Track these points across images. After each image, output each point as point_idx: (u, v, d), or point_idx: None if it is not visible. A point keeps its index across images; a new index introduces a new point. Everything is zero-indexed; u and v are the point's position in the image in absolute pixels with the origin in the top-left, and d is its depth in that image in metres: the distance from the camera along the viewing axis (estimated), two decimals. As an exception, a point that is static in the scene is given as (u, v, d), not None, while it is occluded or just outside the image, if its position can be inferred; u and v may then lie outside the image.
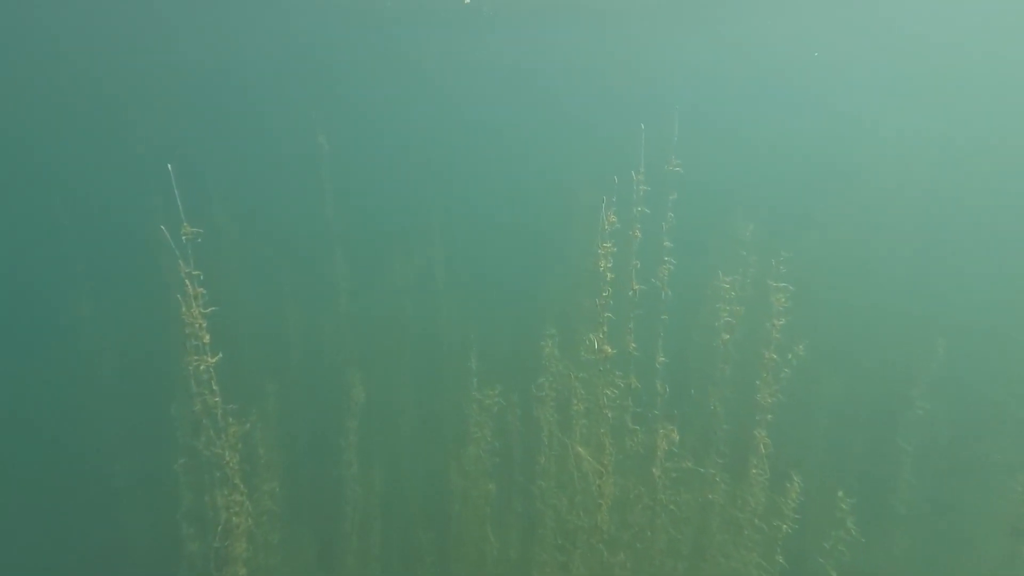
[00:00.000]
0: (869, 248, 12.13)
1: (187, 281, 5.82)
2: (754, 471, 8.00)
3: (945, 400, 9.22)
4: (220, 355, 6.23)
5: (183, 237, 5.38)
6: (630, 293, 8.05)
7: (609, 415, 7.85)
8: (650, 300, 8.23)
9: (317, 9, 26.35)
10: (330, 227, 12.69)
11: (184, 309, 5.93)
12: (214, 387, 6.34)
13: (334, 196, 12.51)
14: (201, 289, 5.80)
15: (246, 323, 11.44)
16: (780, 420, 7.88)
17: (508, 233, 16.02)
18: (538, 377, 10.41)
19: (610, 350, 7.81)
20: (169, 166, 5.06)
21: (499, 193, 19.08)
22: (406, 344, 12.62)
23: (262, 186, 14.05)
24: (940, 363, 9.20)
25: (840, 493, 6.42)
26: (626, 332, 8.18)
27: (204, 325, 5.97)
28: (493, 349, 12.03)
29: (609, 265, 7.52)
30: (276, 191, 13.91)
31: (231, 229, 11.35)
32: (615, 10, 24.67)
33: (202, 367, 6.19)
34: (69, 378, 10.71)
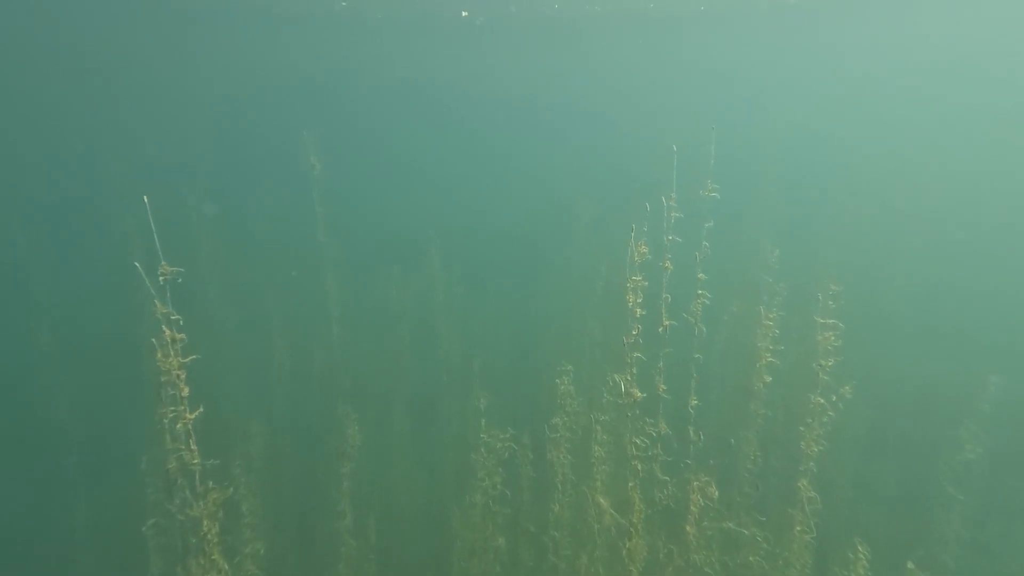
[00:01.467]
0: (915, 277, 11.71)
1: (164, 325, 5.18)
2: (799, 529, 7.37)
3: (999, 440, 8.69)
4: (200, 409, 5.56)
5: (160, 277, 4.74)
6: (660, 329, 7.48)
7: (639, 468, 7.21)
8: (681, 337, 7.69)
9: (308, 26, 26.22)
10: (322, 252, 12.07)
11: (160, 355, 5.27)
12: (192, 446, 5.65)
13: (326, 219, 11.91)
14: (180, 335, 5.13)
15: (230, 357, 10.72)
16: (825, 470, 7.29)
17: (517, 258, 15.49)
18: (552, 417, 9.79)
19: (639, 394, 7.21)
20: (145, 198, 4.45)
21: (506, 213, 18.63)
22: (405, 380, 11.93)
23: (250, 209, 13.45)
24: (992, 401, 8.70)
25: (910, 565, 5.79)
26: (655, 372, 7.60)
27: (183, 376, 5.29)
28: (502, 386, 11.39)
29: (639, 300, 6.97)
30: (265, 214, 13.30)
31: (216, 255, 10.70)
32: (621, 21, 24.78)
33: (179, 424, 5.51)
34: (28, 421, 9.90)
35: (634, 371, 7.20)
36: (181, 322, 5.05)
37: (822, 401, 6.97)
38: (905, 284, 11.44)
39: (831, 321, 6.83)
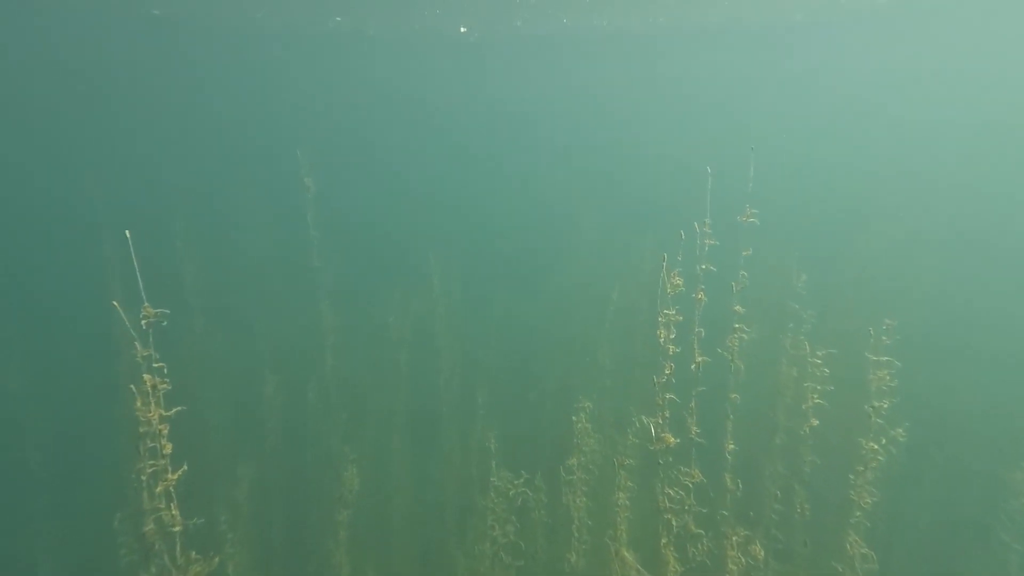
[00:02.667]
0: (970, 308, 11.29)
1: (145, 373, 4.62)
2: (850, 589, 6.78)
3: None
4: (184, 468, 4.97)
5: (142, 321, 4.20)
6: (692, 367, 6.97)
7: (673, 523, 6.64)
8: (716, 374, 7.20)
9: (303, 42, 26.12)
10: (317, 275, 11.52)
11: (139, 405, 4.70)
12: (173, 509, 5.04)
13: (321, 241, 11.39)
14: (164, 383, 4.58)
15: (218, 391, 10.08)
16: (879, 521, 6.74)
17: (524, 279, 14.98)
18: (567, 457, 9.20)
19: (672, 439, 6.67)
20: (127, 232, 3.94)
21: (510, 230, 18.18)
22: (406, 415, 11.31)
23: (240, 235, 12.91)
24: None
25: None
26: (687, 413, 7.07)
27: (165, 431, 4.71)
28: (511, 420, 10.79)
29: (672, 336, 6.48)
30: (256, 240, 12.76)
31: (206, 280, 10.13)
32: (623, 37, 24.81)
33: (159, 486, 4.91)
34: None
35: (667, 414, 6.67)
36: (165, 369, 4.48)
37: (876, 447, 6.45)
38: (958, 311, 11.02)
39: (885, 358, 6.34)
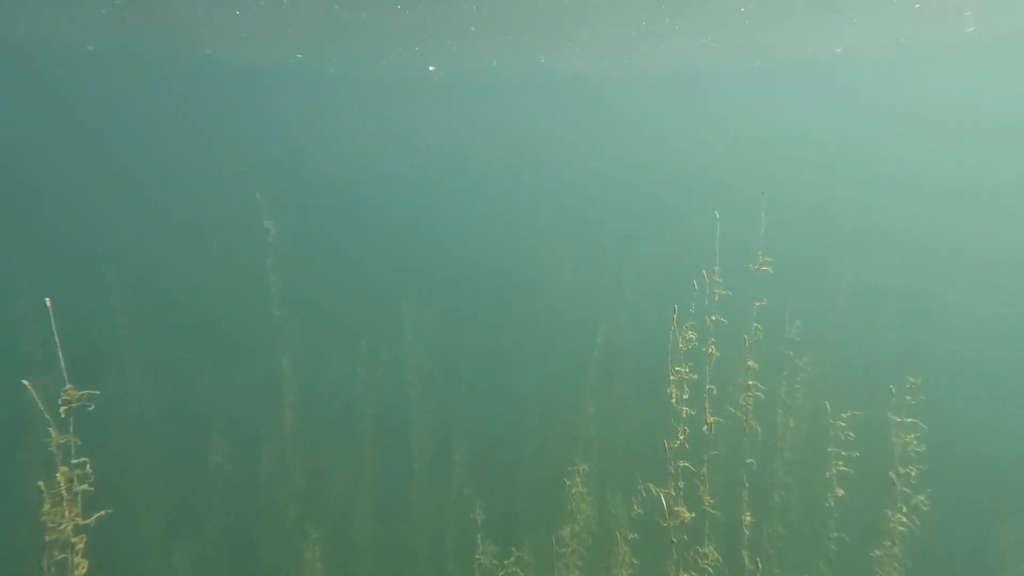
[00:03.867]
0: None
1: (59, 462, 3.70)
2: None
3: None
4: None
5: (61, 406, 3.37)
6: (704, 428, 6.42)
7: (693, 613, 5.92)
8: (729, 436, 6.70)
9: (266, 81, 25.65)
10: (278, 328, 10.58)
11: (47, 508, 3.75)
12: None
13: (282, 291, 10.48)
14: (85, 486, 3.71)
15: (153, 474, 8.90)
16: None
17: (509, 326, 14.33)
18: (561, 527, 8.41)
19: (687, 514, 6.03)
20: (47, 300, 3.18)
21: (493, 274, 17.60)
22: (376, 482, 10.29)
23: (190, 283, 11.88)
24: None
25: None
26: (699, 480, 6.48)
27: (80, 544, 3.78)
28: (497, 484, 9.93)
29: (685, 396, 5.95)
30: (209, 287, 11.75)
31: (152, 334, 9.07)
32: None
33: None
34: None
35: (680, 484, 6.06)
36: (88, 466, 3.60)
37: (904, 519, 5.98)
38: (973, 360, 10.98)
39: (910, 420, 5.96)
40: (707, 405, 6.34)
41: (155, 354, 9.85)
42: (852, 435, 5.94)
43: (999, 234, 15.92)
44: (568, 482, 8.40)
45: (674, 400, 6.03)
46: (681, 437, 5.98)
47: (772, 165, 28.82)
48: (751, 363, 6.57)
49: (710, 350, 6.32)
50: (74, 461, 3.48)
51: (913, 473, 5.95)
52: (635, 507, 7.39)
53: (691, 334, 5.90)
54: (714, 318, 6.33)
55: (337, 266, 15.46)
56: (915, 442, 5.92)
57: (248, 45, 18.10)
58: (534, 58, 17.58)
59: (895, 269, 15.15)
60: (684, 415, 5.96)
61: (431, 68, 24.65)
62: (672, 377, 5.97)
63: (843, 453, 6.01)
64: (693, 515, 6.09)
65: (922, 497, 6.26)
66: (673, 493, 6.10)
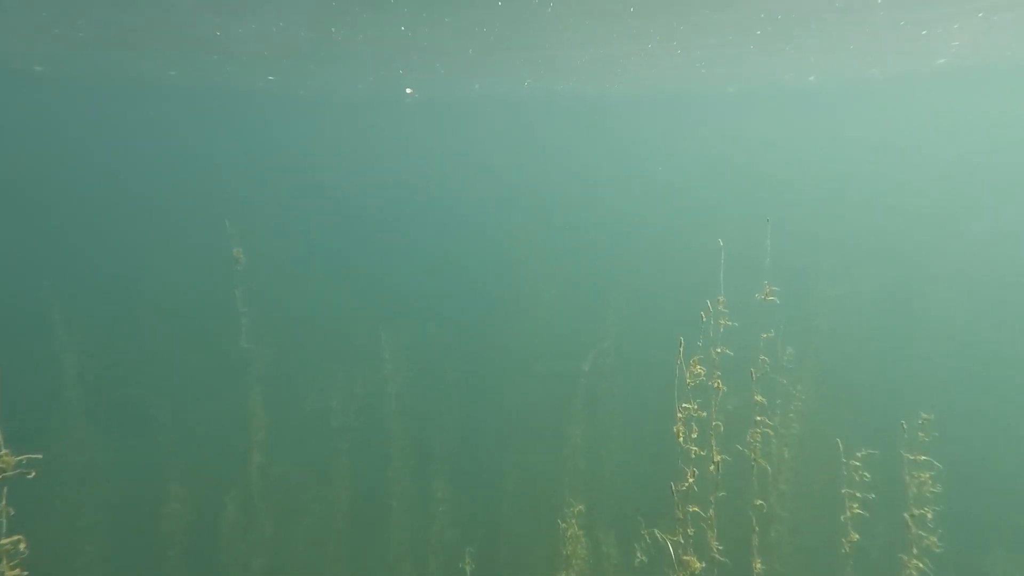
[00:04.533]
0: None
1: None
2: None
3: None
4: None
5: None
6: (711, 469, 6.11)
7: None
8: (737, 476, 6.40)
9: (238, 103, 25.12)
10: (246, 359, 9.97)
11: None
12: None
13: (251, 322, 9.89)
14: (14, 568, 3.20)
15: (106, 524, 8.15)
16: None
17: (493, 353, 13.88)
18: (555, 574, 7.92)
19: (698, 564, 5.67)
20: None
21: (474, 302, 17.18)
22: (350, 525, 9.65)
23: (153, 315, 11.18)
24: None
25: None
26: (707, 526, 6.13)
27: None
28: (481, 525, 9.37)
29: (693, 436, 5.64)
30: (173, 320, 11.06)
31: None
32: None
33: None
34: None
35: (690, 532, 5.70)
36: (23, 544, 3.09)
37: (921, 567, 5.73)
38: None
39: (923, 458, 5.76)
40: (713, 443, 6.05)
41: (107, 396, 9.12)
42: (868, 475, 5.70)
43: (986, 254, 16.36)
44: (562, 524, 7.96)
45: (681, 439, 5.72)
46: (691, 480, 5.65)
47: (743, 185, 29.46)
48: (758, 397, 6.33)
49: (716, 384, 6.07)
50: (4, 540, 2.95)
51: (929, 515, 5.73)
52: (638, 554, 6.98)
53: (699, 368, 5.64)
54: (719, 350, 6.09)
55: (311, 292, 14.87)
56: (930, 481, 5.71)
57: (221, 66, 17.66)
58: (519, 81, 17.59)
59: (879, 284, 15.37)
60: (693, 455, 5.65)
61: (408, 91, 24.57)
62: (679, 415, 5.68)
63: (858, 495, 5.75)
64: (703, 565, 5.74)
65: (935, 539, 6.05)
66: (682, 540, 5.74)
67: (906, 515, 5.85)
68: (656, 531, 6.15)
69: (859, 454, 5.83)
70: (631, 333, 12.05)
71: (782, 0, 11.71)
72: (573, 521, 7.89)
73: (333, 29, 12.34)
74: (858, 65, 18.64)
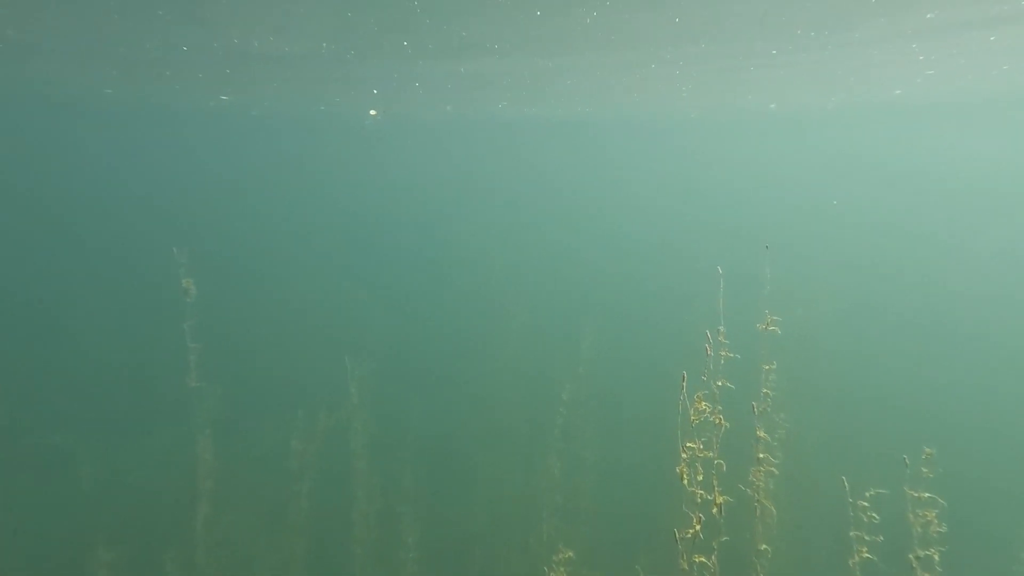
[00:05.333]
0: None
1: None
2: None
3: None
4: None
5: None
6: (713, 511, 5.78)
7: None
8: (739, 518, 6.07)
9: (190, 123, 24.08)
10: (198, 398, 9.15)
11: None
12: None
13: (201, 358, 9.08)
14: None
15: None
16: None
17: (465, 383, 13.29)
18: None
19: (708, 621, 5.26)
20: None
21: (444, 325, 16.56)
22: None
23: (95, 348, 10.19)
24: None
25: None
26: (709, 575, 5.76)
27: None
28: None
29: (699, 479, 5.31)
30: (119, 353, 10.12)
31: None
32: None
33: None
34: None
35: (698, 583, 5.31)
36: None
37: (930, 605, 5.51)
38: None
39: (927, 495, 5.58)
40: (715, 483, 5.73)
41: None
42: (876, 517, 5.47)
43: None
44: (550, 575, 7.45)
45: (686, 481, 5.38)
46: (697, 527, 5.29)
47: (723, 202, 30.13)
48: (761, 433, 6.08)
49: (718, 420, 5.78)
50: None
51: (936, 556, 5.53)
52: (637, 607, 6.53)
53: (704, 405, 5.35)
54: (720, 383, 5.82)
55: (267, 325, 14.01)
56: (936, 521, 5.52)
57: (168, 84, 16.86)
58: (494, 103, 17.48)
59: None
60: (699, 500, 5.31)
61: (372, 112, 24.14)
62: (683, 455, 5.35)
63: (866, 538, 5.51)
64: (714, 620, 5.34)
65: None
66: (688, 595, 5.34)
67: (911, 557, 5.65)
68: (658, 582, 5.74)
69: (868, 493, 5.61)
70: (618, 361, 11.79)
71: (740, 43, 12.13)
72: (562, 570, 7.40)
73: (327, 44, 11.89)
74: (819, 93, 19.45)
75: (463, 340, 15.42)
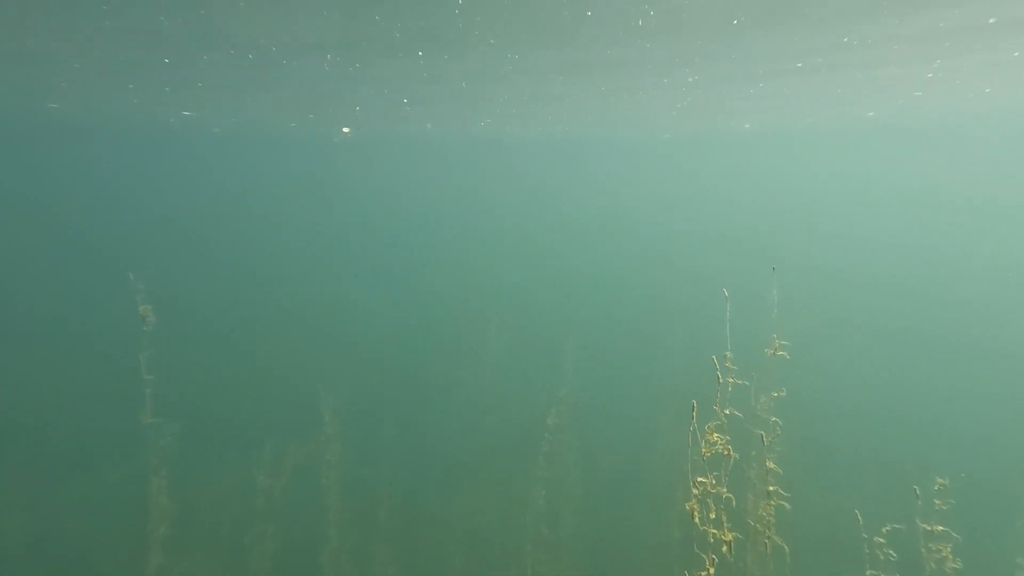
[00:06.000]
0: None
1: None
2: None
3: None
4: None
5: None
6: (723, 549, 5.44)
7: None
8: (747, 553, 5.75)
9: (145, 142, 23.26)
10: (152, 437, 8.48)
11: None
12: None
13: (158, 391, 8.39)
14: None
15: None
16: None
17: (445, 411, 12.76)
18: None
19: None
20: None
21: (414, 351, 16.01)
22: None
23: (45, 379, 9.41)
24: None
25: None
26: (722, 618, 5.40)
27: None
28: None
29: (712, 516, 4.97)
30: (69, 387, 9.36)
31: None
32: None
33: None
34: None
35: (713, 635, 4.92)
36: None
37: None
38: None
39: (940, 528, 5.36)
40: (724, 519, 5.40)
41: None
42: (893, 554, 5.21)
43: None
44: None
45: (697, 519, 5.04)
46: (711, 570, 4.94)
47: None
48: (770, 464, 5.79)
49: (727, 452, 5.47)
50: None
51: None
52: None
53: (715, 436, 5.05)
54: (727, 411, 5.54)
55: (223, 351, 13.29)
56: (950, 557, 5.30)
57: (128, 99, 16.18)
58: (475, 121, 17.29)
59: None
60: (712, 539, 4.97)
61: (345, 130, 23.73)
62: (694, 491, 5.01)
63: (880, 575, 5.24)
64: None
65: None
66: (705, 645, 4.96)
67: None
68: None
69: (884, 528, 5.35)
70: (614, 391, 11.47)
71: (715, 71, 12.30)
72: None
73: (327, 55, 11.52)
74: (793, 115, 19.89)
75: (457, 365, 14.94)
